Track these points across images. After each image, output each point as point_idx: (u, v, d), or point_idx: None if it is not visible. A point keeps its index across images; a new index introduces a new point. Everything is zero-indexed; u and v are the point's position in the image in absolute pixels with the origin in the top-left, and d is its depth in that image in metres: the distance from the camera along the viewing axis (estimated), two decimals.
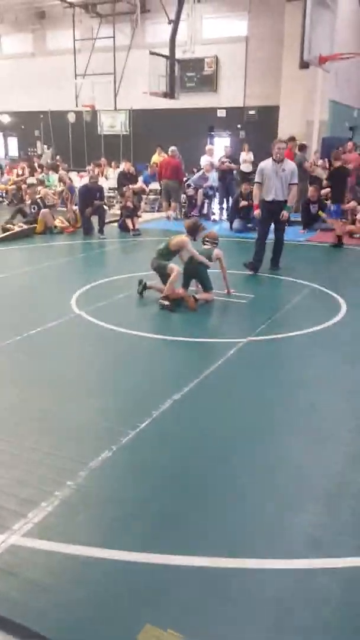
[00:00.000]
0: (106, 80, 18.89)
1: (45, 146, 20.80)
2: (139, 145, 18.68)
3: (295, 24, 13.27)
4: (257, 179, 7.55)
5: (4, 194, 15.43)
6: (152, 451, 3.21)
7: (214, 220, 12.63)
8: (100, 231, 10.46)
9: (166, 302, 5.88)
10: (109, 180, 14.60)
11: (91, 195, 10.42)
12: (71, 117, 19.96)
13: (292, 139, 12.25)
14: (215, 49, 17.52)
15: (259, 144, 14.12)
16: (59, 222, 10.96)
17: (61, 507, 2.68)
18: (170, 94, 15.04)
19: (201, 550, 2.41)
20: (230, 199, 12.03)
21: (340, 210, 9.85)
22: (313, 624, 2.08)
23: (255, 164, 12.13)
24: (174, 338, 5.15)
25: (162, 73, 14.89)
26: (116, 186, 13.79)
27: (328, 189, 9.92)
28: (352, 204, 10.95)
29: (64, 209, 11.65)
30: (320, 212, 10.76)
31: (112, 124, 19.92)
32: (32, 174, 15.02)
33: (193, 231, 6.33)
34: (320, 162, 12.80)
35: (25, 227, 10.52)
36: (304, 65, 12.57)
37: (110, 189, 14.18)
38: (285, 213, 7.46)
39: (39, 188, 12.06)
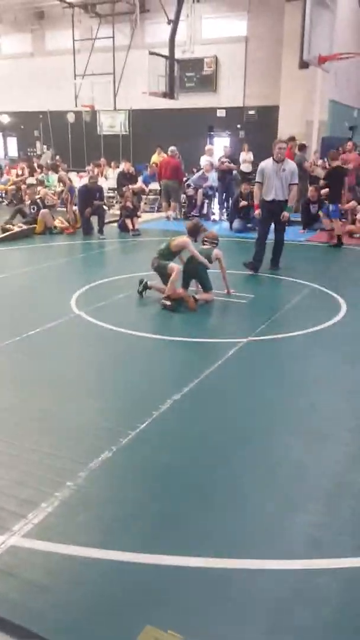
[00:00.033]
0: (105, 80, 18.90)
1: (45, 146, 20.80)
2: (138, 145, 18.68)
3: (295, 23, 13.29)
4: (257, 178, 7.56)
5: (3, 194, 15.43)
6: (152, 452, 3.21)
7: (214, 220, 12.63)
8: (100, 231, 10.45)
9: (168, 303, 5.87)
10: (108, 181, 14.60)
11: (91, 196, 10.41)
12: (70, 117, 19.96)
13: (292, 139, 12.25)
14: (214, 49, 17.52)
15: (258, 144, 14.11)
16: (58, 222, 10.96)
17: (61, 507, 2.67)
18: (169, 94, 15.05)
19: (201, 551, 2.40)
20: (230, 199, 12.03)
21: (339, 210, 9.85)
22: (313, 624, 2.07)
23: (255, 164, 12.15)
24: (173, 338, 5.15)
25: (161, 73, 14.89)
26: (116, 186, 13.79)
27: (327, 189, 9.92)
28: (352, 203, 10.95)
29: (64, 209, 11.64)
30: (320, 212, 10.76)
31: (112, 124, 19.91)
32: (31, 174, 15.02)
33: (194, 232, 6.33)
34: (320, 162, 12.80)
35: (24, 227, 10.51)
36: (304, 65, 12.58)
37: (109, 189, 14.17)
38: (286, 214, 7.46)
39: (39, 188, 12.06)
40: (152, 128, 17.77)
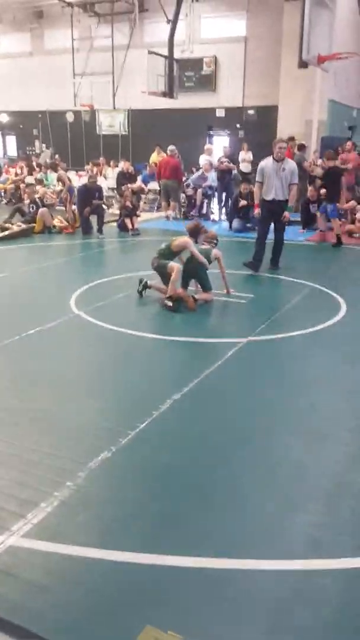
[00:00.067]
0: (105, 79, 18.90)
1: (44, 145, 20.79)
2: (137, 144, 18.67)
3: (294, 23, 13.27)
4: (257, 178, 7.56)
5: (2, 193, 15.41)
6: (151, 452, 3.20)
7: (213, 220, 12.62)
8: (99, 231, 10.44)
9: (170, 304, 5.86)
10: (107, 180, 14.59)
11: (90, 195, 10.40)
12: (70, 117, 19.96)
13: (292, 139, 12.25)
14: (213, 49, 17.52)
15: (258, 144, 14.12)
16: (57, 221, 10.95)
17: (60, 507, 2.67)
18: (169, 94, 15.05)
19: (201, 551, 2.40)
20: (230, 199, 12.02)
21: (337, 210, 9.86)
22: (313, 624, 2.07)
23: (254, 163, 12.14)
24: (173, 338, 5.14)
25: (160, 73, 14.89)
26: (115, 186, 13.79)
27: (324, 189, 9.93)
28: (352, 203, 10.95)
29: (63, 208, 11.63)
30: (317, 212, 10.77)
31: (111, 123, 19.91)
32: (30, 174, 15.01)
33: (194, 233, 6.33)
34: (319, 161, 12.79)
35: (23, 226, 10.50)
36: (303, 64, 12.57)
37: (109, 188, 14.17)
38: (287, 214, 7.47)
39: (38, 187, 12.05)
40: (152, 127, 17.77)
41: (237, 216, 11.05)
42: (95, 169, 14.58)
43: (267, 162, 7.41)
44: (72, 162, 18.96)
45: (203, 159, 13.23)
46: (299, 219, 11.05)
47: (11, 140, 22.71)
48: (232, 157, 13.13)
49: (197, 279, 6.25)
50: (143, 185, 13.82)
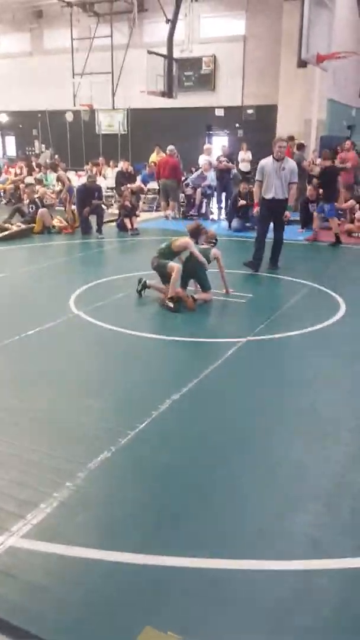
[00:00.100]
0: (104, 79, 18.87)
1: (44, 145, 20.77)
2: (137, 144, 18.65)
3: (293, 22, 13.28)
4: (257, 177, 7.56)
5: (2, 194, 15.40)
6: (151, 452, 3.20)
7: (213, 220, 12.62)
8: (99, 231, 10.44)
9: (171, 304, 5.85)
10: (107, 180, 14.58)
11: (89, 195, 10.40)
12: (69, 117, 19.94)
13: (291, 138, 12.24)
14: (213, 48, 17.50)
15: (257, 143, 14.11)
16: (57, 221, 10.94)
17: (60, 508, 2.67)
18: (168, 93, 15.02)
19: (201, 551, 2.40)
20: (229, 199, 12.02)
21: (335, 209, 9.85)
22: (313, 624, 2.07)
23: (253, 163, 12.14)
24: (172, 338, 5.14)
25: (160, 72, 14.86)
26: (114, 185, 13.78)
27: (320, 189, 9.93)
28: (351, 202, 10.95)
29: (62, 208, 11.63)
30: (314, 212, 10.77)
31: (110, 123, 19.89)
32: (30, 174, 14.99)
33: (195, 234, 6.33)
34: (318, 161, 12.79)
35: (23, 226, 10.49)
36: (302, 64, 12.58)
37: (108, 188, 14.16)
38: (287, 213, 7.47)
39: (37, 187, 12.04)
40: (151, 127, 17.75)
41: (236, 216, 11.05)
42: (94, 169, 14.56)
43: (267, 161, 7.41)
44: (72, 162, 18.94)
45: (202, 159, 13.22)
46: (298, 218, 11.05)
47: (10, 141, 22.69)
48: (231, 157, 13.12)
49: (196, 278, 6.25)
50: (142, 185, 13.81)
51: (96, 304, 5.99)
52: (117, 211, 11.74)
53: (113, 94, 19.05)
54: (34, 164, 16.36)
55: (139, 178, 13.84)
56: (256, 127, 16.55)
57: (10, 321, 5.49)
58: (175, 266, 6.02)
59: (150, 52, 14.71)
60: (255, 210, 7.78)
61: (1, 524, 2.54)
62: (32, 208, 10.91)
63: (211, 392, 4.00)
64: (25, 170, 15.18)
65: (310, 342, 5.03)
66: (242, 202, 10.77)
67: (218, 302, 6.24)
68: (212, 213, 13.10)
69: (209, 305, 6.14)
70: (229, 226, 11.18)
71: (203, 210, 12.72)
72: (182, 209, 12.98)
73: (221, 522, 2.62)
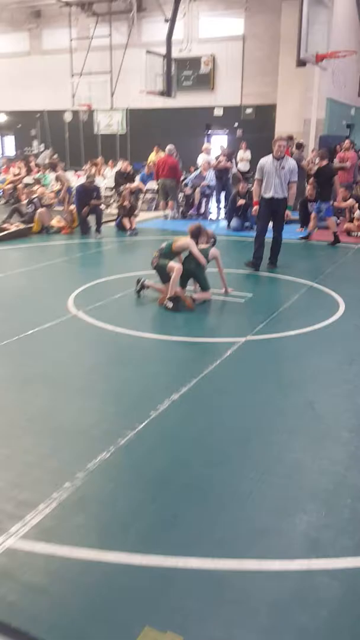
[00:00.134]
0: (103, 79, 18.87)
1: (43, 145, 20.76)
2: (135, 144, 18.66)
3: (292, 22, 13.27)
4: (257, 175, 7.56)
5: (0, 194, 15.38)
6: (150, 452, 3.20)
7: (212, 219, 12.61)
8: (98, 231, 10.43)
9: (170, 305, 5.85)
10: (106, 180, 14.57)
11: (88, 195, 10.38)
12: (68, 116, 19.94)
13: (290, 137, 12.23)
14: (212, 48, 17.51)
15: (256, 143, 14.12)
16: (55, 221, 10.93)
17: (59, 509, 2.66)
18: (167, 93, 15.02)
19: (200, 552, 2.40)
20: (228, 198, 12.01)
21: (332, 209, 9.85)
22: (312, 625, 2.07)
23: (253, 162, 12.13)
24: (171, 338, 5.13)
25: (158, 72, 14.87)
26: (113, 185, 13.76)
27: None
28: (350, 202, 10.95)
29: (61, 208, 11.61)
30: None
31: (109, 123, 19.88)
32: (28, 173, 14.97)
33: (196, 235, 6.32)
34: (317, 160, 12.79)
35: (21, 226, 10.48)
36: (301, 63, 12.58)
37: (107, 188, 14.15)
38: (288, 213, 7.48)
39: (36, 187, 12.02)
40: (150, 127, 17.76)
41: (235, 215, 11.04)
42: (93, 169, 14.55)
43: (267, 160, 7.41)
44: (70, 162, 18.94)
45: (201, 159, 13.21)
46: (296, 217, 11.03)
47: (9, 140, 22.68)
48: (230, 156, 13.12)
49: (196, 278, 6.24)
50: (141, 185, 13.80)
51: (95, 304, 5.98)
52: (115, 211, 11.73)
53: (112, 94, 19.05)
54: (32, 163, 16.33)
55: (137, 178, 13.82)
56: (255, 126, 16.56)
57: (9, 321, 5.48)
58: (175, 266, 6.01)
59: (149, 52, 14.71)
60: (255, 209, 7.78)
61: (0, 525, 2.53)
62: (30, 208, 10.90)
63: (210, 392, 3.99)
64: (23, 171, 15.16)
65: (309, 342, 5.02)
66: (241, 201, 10.76)
67: (217, 302, 6.24)
68: (211, 212, 13.09)
69: (208, 305, 6.13)
70: (228, 226, 11.17)
71: (202, 209, 12.71)
72: (181, 209, 12.97)
73: (220, 522, 2.61)
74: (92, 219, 10.50)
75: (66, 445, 3.24)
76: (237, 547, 2.45)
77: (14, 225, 10.47)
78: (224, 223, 11.63)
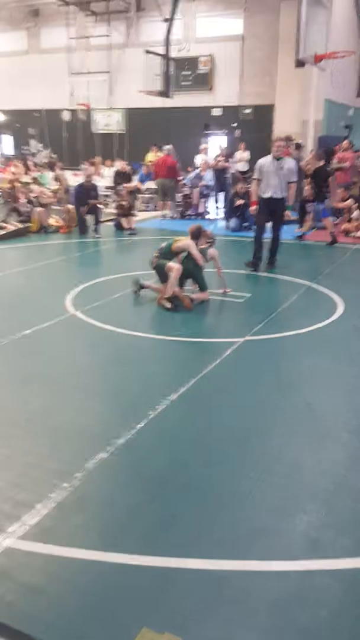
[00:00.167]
0: (101, 78, 18.85)
1: (41, 145, 20.72)
2: (134, 143, 18.63)
3: (291, 22, 13.25)
4: (255, 175, 7.57)
5: None
6: (148, 452, 3.19)
7: (210, 219, 12.61)
8: (96, 230, 10.42)
9: (168, 305, 5.84)
10: (104, 179, 14.55)
11: (86, 194, 10.37)
12: (66, 116, 19.90)
13: (289, 138, 12.23)
14: (210, 48, 17.49)
15: (254, 143, 14.11)
16: (53, 221, 10.91)
17: (57, 509, 2.65)
18: (165, 93, 14.99)
19: (199, 552, 2.39)
20: (226, 198, 12.01)
21: (329, 209, 9.87)
22: (312, 625, 2.06)
23: (251, 162, 12.12)
24: (170, 338, 5.12)
25: (157, 71, 14.82)
26: (111, 185, 13.75)
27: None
28: (348, 202, 10.95)
29: (59, 208, 11.59)
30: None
31: (107, 122, 19.85)
32: (26, 173, 14.94)
33: (196, 236, 6.31)
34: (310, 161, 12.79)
35: (19, 226, 10.46)
36: (300, 63, 12.56)
37: (105, 187, 14.13)
38: (289, 213, 7.50)
39: (34, 187, 12.00)
40: (148, 126, 17.74)
41: (233, 215, 11.04)
42: (91, 168, 14.52)
43: (265, 160, 7.42)
44: (68, 161, 18.90)
45: (199, 158, 13.19)
46: (296, 217, 11.03)
47: (7, 139, 22.63)
48: (228, 157, 13.12)
49: (194, 278, 6.23)
50: (139, 185, 13.79)
51: (93, 304, 5.96)
52: (114, 211, 11.72)
53: (110, 93, 19.02)
54: (30, 163, 16.30)
55: (136, 177, 13.81)
56: (253, 126, 16.55)
57: (7, 321, 5.46)
58: (174, 266, 6.00)
59: (147, 52, 14.68)
60: (253, 208, 7.78)
61: None
62: (28, 207, 10.87)
63: (209, 392, 3.98)
64: (22, 170, 15.12)
65: (308, 342, 5.02)
66: (239, 201, 10.76)
67: (215, 302, 6.23)
68: (209, 213, 13.09)
69: (206, 305, 6.13)
70: (226, 226, 11.17)
71: (200, 209, 12.70)
72: (179, 209, 12.96)
73: (219, 522, 2.60)
74: (90, 219, 10.48)
75: (65, 445, 3.23)
76: (237, 547, 2.44)
77: (12, 225, 10.44)
78: (222, 223, 11.62)
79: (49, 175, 14.01)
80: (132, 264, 7.87)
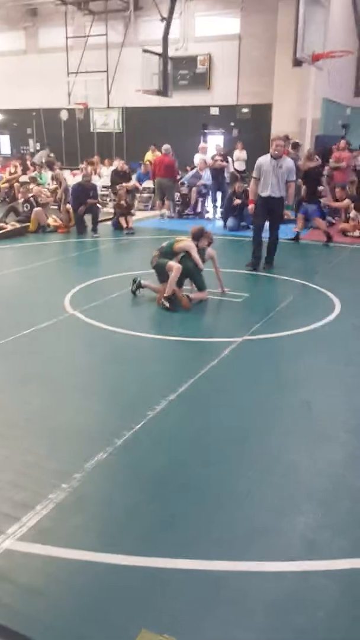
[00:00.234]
0: (99, 78, 18.81)
1: (39, 144, 20.69)
2: (132, 143, 18.62)
3: (289, 21, 13.27)
4: (254, 174, 7.58)
5: None
6: (147, 452, 3.19)
7: (208, 219, 12.61)
8: (94, 230, 10.41)
9: (167, 304, 5.84)
10: (102, 179, 14.54)
11: (84, 194, 10.36)
12: (64, 115, 19.87)
13: (287, 137, 12.23)
14: (208, 47, 17.47)
15: (252, 142, 14.11)
16: (52, 220, 10.90)
17: (56, 510, 2.65)
18: (163, 92, 14.98)
19: (197, 553, 2.39)
20: (224, 198, 12.01)
21: (320, 209, 9.89)
22: (309, 626, 2.07)
23: (249, 162, 12.12)
24: (168, 338, 5.13)
25: (155, 71, 14.82)
26: (109, 184, 13.74)
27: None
28: (346, 202, 10.96)
29: (57, 207, 11.58)
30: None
31: (105, 121, 19.83)
32: (24, 172, 14.93)
33: (198, 237, 6.31)
34: (303, 161, 12.79)
35: (18, 225, 10.45)
36: (297, 63, 12.57)
37: (103, 187, 14.12)
38: (288, 213, 7.51)
39: (32, 186, 11.99)
40: (146, 126, 17.73)
41: (231, 215, 11.04)
42: (89, 168, 14.52)
43: (264, 159, 7.43)
44: (66, 161, 18.88)
45: (197, 158, 13.19)
46: (294, 217, 11.04)
47: (5, 139, 22.60)
48: (226, 156, 13.11)
49: (192, 278, 6.24)
50: (138, 184, 13.78)
51: (91, 304, 5.97)
52: (112, 210, 11.71)
53: (108, 93, 19.00)
54: (28, 162, 16.28)
55: (134, 177, 13.80)
56: (251, 126, 16.55)
57: (5, 320, 5.46)
58: (174, 266, 6.00)
59: (145, 51, 14.67)
60: (250, 207, 7.79)
61: None
62: (26, 207, 10.87)
63: (207, 392, 3.99)
64: (19, 169, 15.11)
65: (306, 342, 5.03)
66: (237, 201, 10.76)
67: (214, 302, 6.24)
68: (207, 212, 13.09)
69: (204, 304, 6.13)
70: (224, 225, 11.18)
71: (198, 209, 12.70)
72: (177, 208, 12.96)
73: (218, 522, 2.61)
74: (88, 218, 10.48)
75: (64, 445, 3.24)
76: (235, 548, 2.45)
77: (10, 225, 10.43)
78: (220, 222, 11.63)
79: (47, 174, 13.99)
80: (131, 263, 7.88)
